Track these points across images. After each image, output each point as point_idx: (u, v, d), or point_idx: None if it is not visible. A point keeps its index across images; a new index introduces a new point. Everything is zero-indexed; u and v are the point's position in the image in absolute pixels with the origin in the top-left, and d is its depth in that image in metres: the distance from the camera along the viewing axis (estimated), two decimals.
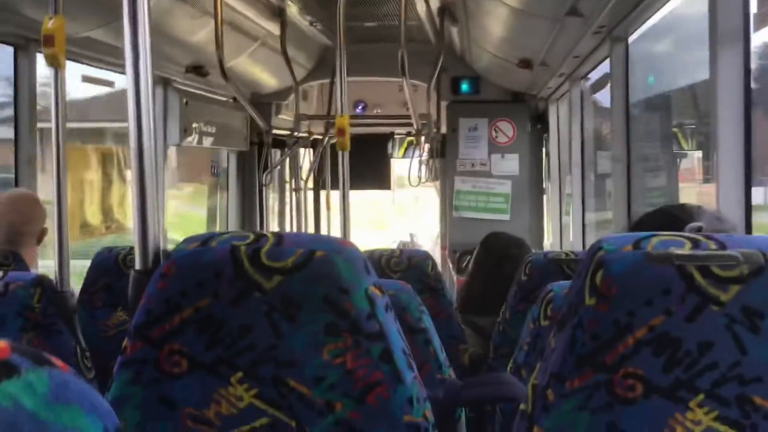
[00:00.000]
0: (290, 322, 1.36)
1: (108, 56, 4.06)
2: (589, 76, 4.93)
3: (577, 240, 5.27)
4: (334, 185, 7.46)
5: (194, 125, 5.26)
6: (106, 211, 6.24)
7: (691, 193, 3.93)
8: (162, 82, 4.98)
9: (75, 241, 5.56)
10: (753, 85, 2.47)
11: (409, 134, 7.52)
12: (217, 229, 6.50)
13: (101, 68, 4.55)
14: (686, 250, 1.25)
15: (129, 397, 1.36)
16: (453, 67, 6.28)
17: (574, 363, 1.27)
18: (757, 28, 2.56)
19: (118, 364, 1.38)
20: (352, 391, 1.35)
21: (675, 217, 1.61)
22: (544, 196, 6.57)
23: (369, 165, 7.79)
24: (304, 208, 8.02)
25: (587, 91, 5.12)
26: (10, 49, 3.64)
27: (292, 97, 6.24)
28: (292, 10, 5.24)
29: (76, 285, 2.69)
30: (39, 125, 3.71)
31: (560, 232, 6.07)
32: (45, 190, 3.54)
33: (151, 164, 1.65)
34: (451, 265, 6.52)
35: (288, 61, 5.44)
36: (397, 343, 1.38)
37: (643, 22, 3.58)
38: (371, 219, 15.66)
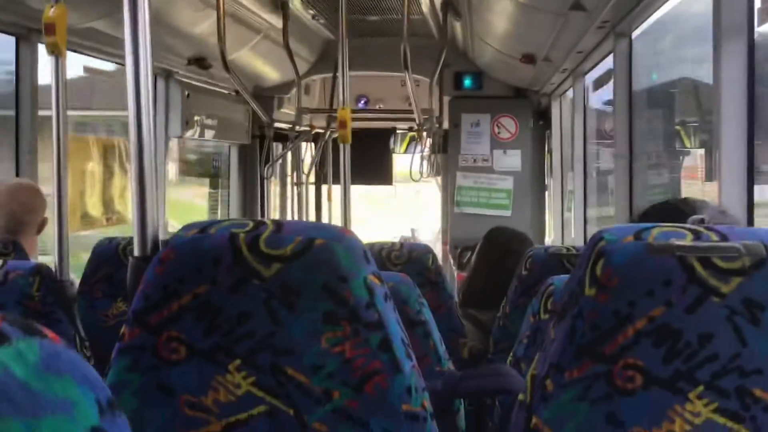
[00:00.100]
0: (289, 309, 1.35)
1: (109, 47, 4.05)
2: (592, 72, 4.92)
3: (578, 236, 5.26)
4: (336, 180, 7.46)
5: (196, 118, 5.26)
6: (107, 203, 6.23)
7: (693, 190, 3.92)
8: (164, 74, 4.98)
9: (75, 232, 5.55)
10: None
11: (411, 129, 7.50)
12: None
13: (102, 59, 4.54)
14: (687, 241, 1.25)
15: (127, 383, 1.36)
16: (456, 62, 6.27)
17: (574, 353, 1.27)
18: (761, 23, 2.55)
19: (116, 350, 1.37)
20: (350, 379, 1.34)
21: (679, 209, 1.61)
22: (546, 193, 6.56)
23: (371, 160, 7.78)
24: (306, 202, 8.02)
25: (590, 87, 5.11)
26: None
27: (294, 90, 6.23)
28: (295, 3, 5.23)
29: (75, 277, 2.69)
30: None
31: (562, 228, 6.06)
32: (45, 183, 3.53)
33: (150, 152, 1.65)
34: (452, 261, 6.51)
35: (290, 54, 5.43)
36: (395, 333, 1.37)
37: (647, 18, 3.57)
38: (370, 219, 15.62)
